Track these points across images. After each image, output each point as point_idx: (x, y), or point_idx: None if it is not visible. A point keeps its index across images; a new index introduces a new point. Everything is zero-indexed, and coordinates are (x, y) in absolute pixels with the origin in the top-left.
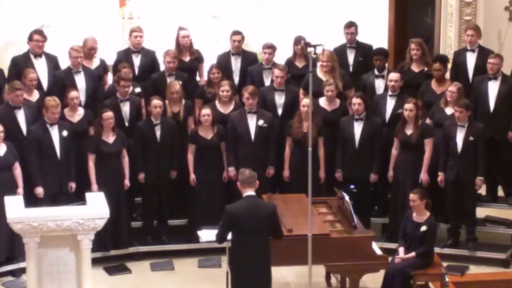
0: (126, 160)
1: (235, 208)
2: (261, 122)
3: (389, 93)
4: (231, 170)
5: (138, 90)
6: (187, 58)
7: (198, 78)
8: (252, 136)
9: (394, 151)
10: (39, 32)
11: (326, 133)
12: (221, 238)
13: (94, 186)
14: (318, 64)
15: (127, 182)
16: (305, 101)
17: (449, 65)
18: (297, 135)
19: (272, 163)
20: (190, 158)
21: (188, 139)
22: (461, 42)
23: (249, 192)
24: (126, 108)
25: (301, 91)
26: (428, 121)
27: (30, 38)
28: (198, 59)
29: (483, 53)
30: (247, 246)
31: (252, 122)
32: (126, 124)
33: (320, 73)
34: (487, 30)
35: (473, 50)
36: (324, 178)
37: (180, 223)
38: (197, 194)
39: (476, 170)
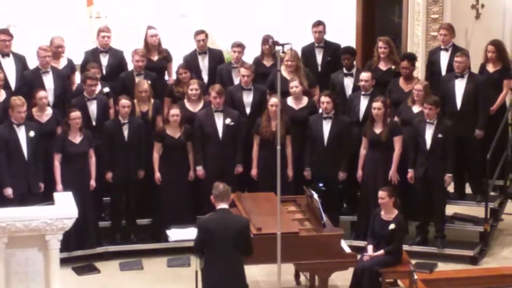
0: (93, 161)
1: (206, 220)
2: (228, 120)
3: (362, 92)
4: (199, 169)
5: (106, 90)
6: (155, 57)
7: (166, 77)
8: (220, 135)
9: (362, 151)
10: (4, 31)
11: (293, 132)
12: (196, 249)
13: (59, 186)
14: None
15: (92, 182)
16: (272, 100)
17: (417, 63)
18: (265, 134)
19: (240, 161)
20: (156, 156)
21: (154, 137)
22: (428, 40)
23: (222, 205)
24: (93, 107)
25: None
26: (396, 119)
27: None
28: (166, 58)
29: (457, 52)
30: (220, 261)
31: (219, 121)
32: (94, 123)
33: (285, 73)
34: (454, 28)
35: (446, 49)
36: (293, 177)
37: (149, 222)
38: (163, 193)
39: (445, 167)
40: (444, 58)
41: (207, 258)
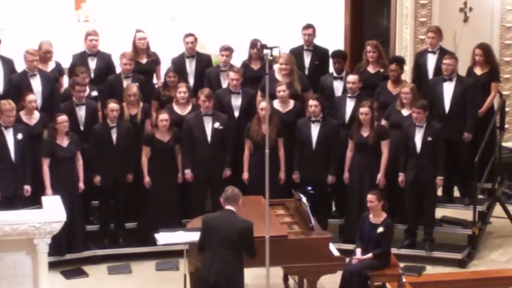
0: (80, 163)
1: (210, 217)
2: (217, 124)
3: (349, 94)
4: (187, 172)
5: (94, 93)
6: (143, 60)
7: (155, 81)
8: (209, 139)
9: (349, 153)
10: None
11: (285, 134)
12: (199, 247)
13: (49, 190)
14: (277, 66)
15: (81, 185)
16: (263, 104)
17: (406, 67)
18: (256, 137)
19: (228, 165)
20: (144, 160)
21: (143, 141)
22: (417, 43)
23: (229, 207)
24: (82, 113)
25: (259, 93)
26: (384, 122)
27: None
28: (155, 61)
29: (444, 55)
30: (216, 261)
31: (208, 125)
32: (81, 128)
33: (278, 76)
34: (442, 32)
35: (433, 52)
36: (284, 179)
37: (137, 226)
38: (152, 196)
39: (435, 170)
40: (431, 60)
41: (204, 256)
